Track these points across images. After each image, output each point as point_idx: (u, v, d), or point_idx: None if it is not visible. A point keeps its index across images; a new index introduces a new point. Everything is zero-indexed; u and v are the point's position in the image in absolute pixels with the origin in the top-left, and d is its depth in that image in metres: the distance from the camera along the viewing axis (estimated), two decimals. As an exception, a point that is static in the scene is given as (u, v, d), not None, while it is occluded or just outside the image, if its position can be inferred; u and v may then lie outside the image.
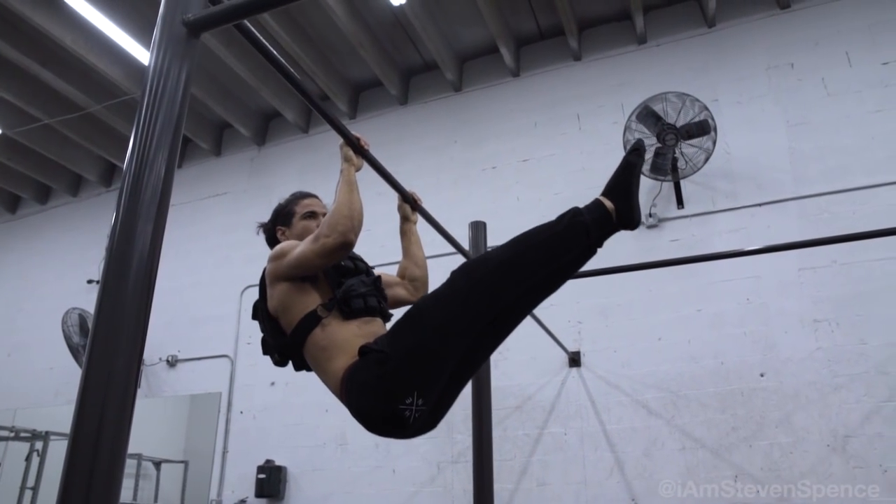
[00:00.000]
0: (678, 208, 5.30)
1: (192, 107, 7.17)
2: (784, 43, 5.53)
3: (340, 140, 2.23)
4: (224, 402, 6.45)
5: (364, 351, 1.85)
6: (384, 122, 6.89)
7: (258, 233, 2.39)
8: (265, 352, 2.16)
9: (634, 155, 1.91)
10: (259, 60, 6.46)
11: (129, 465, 6.74)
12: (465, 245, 3.66)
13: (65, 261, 8.15)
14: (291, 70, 1.76)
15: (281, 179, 7.19)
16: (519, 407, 5.32)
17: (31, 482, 6.46)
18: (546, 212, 5.73)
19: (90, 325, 5.83)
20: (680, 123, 4.98)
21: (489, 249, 1.87)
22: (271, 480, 5.81)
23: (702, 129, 4.92)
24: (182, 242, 7.06)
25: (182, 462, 6.71)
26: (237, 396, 6.44)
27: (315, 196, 2.36)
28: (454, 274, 1.90)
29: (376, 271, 2.32)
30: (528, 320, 4.38)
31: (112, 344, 1.13)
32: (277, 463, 5.93)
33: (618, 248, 5.36)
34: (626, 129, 5.13)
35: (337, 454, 5.79)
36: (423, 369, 1.80)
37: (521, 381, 5.38)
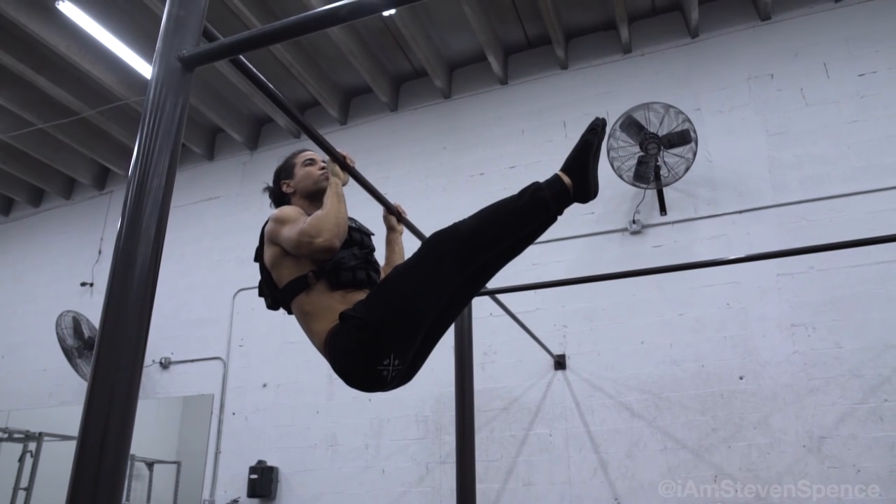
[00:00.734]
0: (661, 215, 5.43)
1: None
2: (764, 54, 5.67)
3: (329, 156, 2.36)
4: (217, 403, 6.54)
5: (343, 317, 1.99)
6: (374, 128, 6.99)
7: (264, 192, 2.52)
8: (260, 293, 2.31)
9: (591, 133, 2.07)
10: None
11: (122, 466, 6.82)
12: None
13: (58, 263, 8.22)
14: (281, 97, 1.88)
15: (273, 184, 7.28)
16: (505, 409, 5.44)
17: (24, 483, 6.52)
18: (533, 218, 5.89)
19: (84, 327, 5.90)
20: (662, 133, 5.11)
21: (458, 222, 2.01)
22: (263, 481, 5.91)
23: (683, 138, 5.05)
24: (175, 246, 7.14)
25: (175, 463, 6.78)
26: (230, 398, 6.53)
27: (308, 150, 2.54)
28: (425, 244, 2.06)
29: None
30: (514, 324, 4.50)
31: (116, 348, 1.24)
32: (269, 463, 6.03)
33: (602, 253, 5.54)
34: (610, 137, 5.25)
35: (327, 455, 5.90)
36: (398, 333, 1.96)
37: (507, 383, 5.50)
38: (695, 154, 5.10)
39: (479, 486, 4.76)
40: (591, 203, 6.14)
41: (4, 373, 7.89)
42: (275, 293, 2.20)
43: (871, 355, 4.60)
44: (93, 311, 7.25)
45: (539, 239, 6.17)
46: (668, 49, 6.04)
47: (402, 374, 2.05)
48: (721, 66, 5.79)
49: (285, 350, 6.31)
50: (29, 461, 6.56)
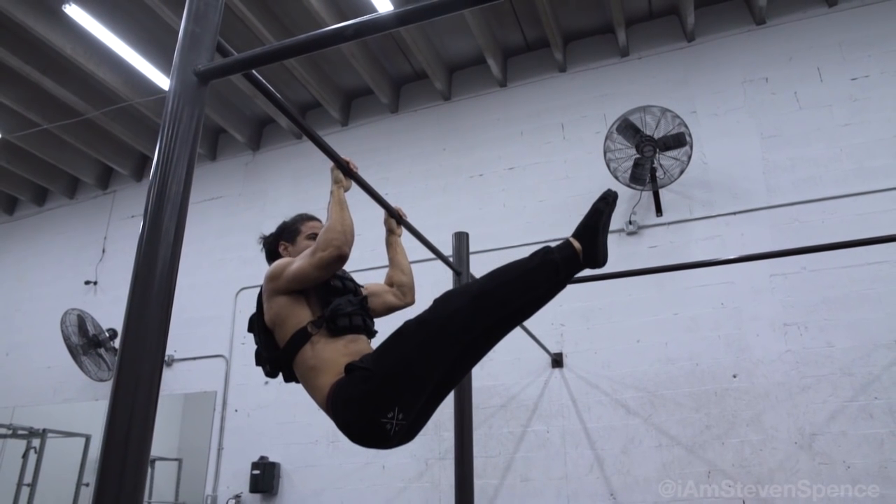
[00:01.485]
0: (657, 216, 5.52)
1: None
2: (759, 58, 5.77)
3: (333, 147, 2.43)
4: (219, 400, 6.64)
5: (350, 368, 2.01)
6: (375, 130, 7.09)
7: (259, 242, 2.54)
8: (258, 363, 2.31)
9: (602, 202, 2.11)
10: (254, 69, 6.65)
11: (125, 463, 6.90)
12: (449, 252, 3.88)
13: (62, 262, 8.32)
14: (292, 110, 1.97)
15: (274, 184, 7.39)
16: (504, 406, 5.53)
17: (28, 479, 6.59)
18: (531, 218, 6.01)
19: (89, 325, 6.00)
20: (658, 135, 5.20)
21: (469, 280, 2.07)
22: (265, 476, 6.00)
23: (678, 141, 5.15)
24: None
25: (176, 460, 6.87)
26: (232, 395, 6.63)
27: (319, 220, 2.52)
28: (436, 301, 2.08)
29: (365, 283, 2.52)
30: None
31: (140, 345, 1.33)
32: (271, 459, 6.13)
33: (599, 253, 5.62)
34: (607, 139, 5.35)
35: (328, 451, 5.99)
36: (404, 386, 1.96)
37: (505, 381, 5.59)
38: (689, 157, 5.19)
39: (477, 482, 4.87)
40: (587, 203, 6.20)
41: (9, 370, 7.98)
42: (276, 354, 2.19)
43: (862, 354, 4.70)
44: (97, 309, 7.35)
45: (538, 239, 6.28)
46: (665, 52, 6.13)
47: (405, 430, 2.03)
48: (716, 69, 5.89)
49: (287, 348, 6.40)
50: (33, 458, 6.62)
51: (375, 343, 2.24)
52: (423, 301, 6.32)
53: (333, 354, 2.09)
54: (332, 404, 2.02)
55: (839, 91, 5.43)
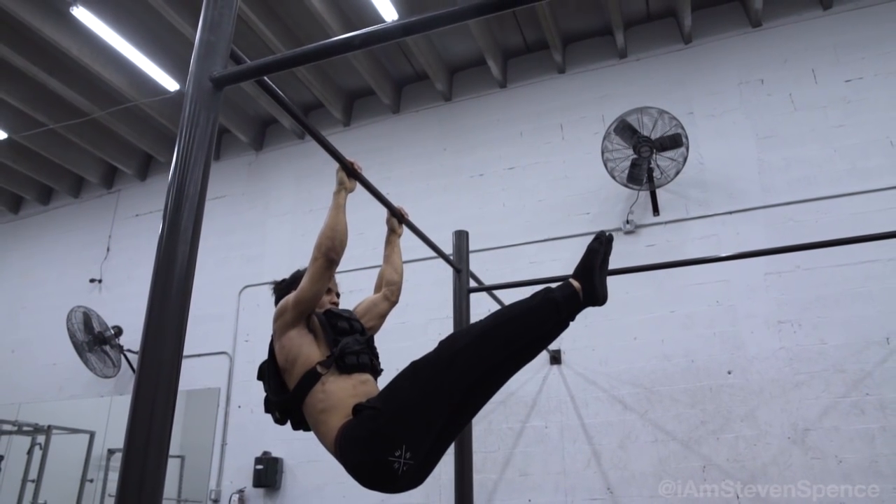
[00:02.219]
0: (654, 215, 5.62)
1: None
2: (755, 60, 5.86)
3: (336, 147, 2.52)
4: (223, 396, 6.74)
5: (357, 409, 2.07)
6: (377, 130, 7.18)
7: (272, 291, 2.58)
8: (267, 410, 2.36)
9: (596, 242, 2.18)
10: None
11: (128, 459, 6.99)
12: (449, 251, 3.98)
13: (66, 260, 8.42)
14: (305, 119, 2.06)
15: (277, 183, 7.48)
16: (503, 402, 5.62)
17: (33, 475, 6.65)
18: (530, 217, 6.10)
19: (94, 322, 6.09)
20: (655, 136, 5.29)
21: (473, 322, 2.13)
22: (268, 471, 6.11)
23: (675, 142, 5.24)
24: (182, 244, 7.32)
25: (178, 457, 6.95)
26: (235, 391, 6.72)
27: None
28: (442, 342, 2.14)
29: (356, 303, 2.60)
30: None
31: (161, 338, 1.43)
32: (274, 455, 6.23)
33: (597, 252, 5.71)
34: (605, 139, 5.44)
35: (330, 446, 6.08)
36: (411, 424, 2.00)
37: (505, 377, 5.68)
38: (685, 158, 5.28)
39: (477, 477, 4.96)
40: (586, 203, 6.31)
41: (14, 367, 8.08)
42: (285, 397, 2.22)
43: (854, 351, 4.80)
44: (101, 306, 7.44)
45: (537, 238, 6.36)
46: (663, 54, 6.22)
47: (414, 472, 2.03)
48: (713, 71, 5.98)
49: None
50: (38, 454, 6.68)
51: (382, 383, 2.28)
52: (425, 296, 6.41)
53: (343, 395, 2.13)
54: (340, 446, 2.05)
55: (833, 93, 5.52)
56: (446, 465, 5.51)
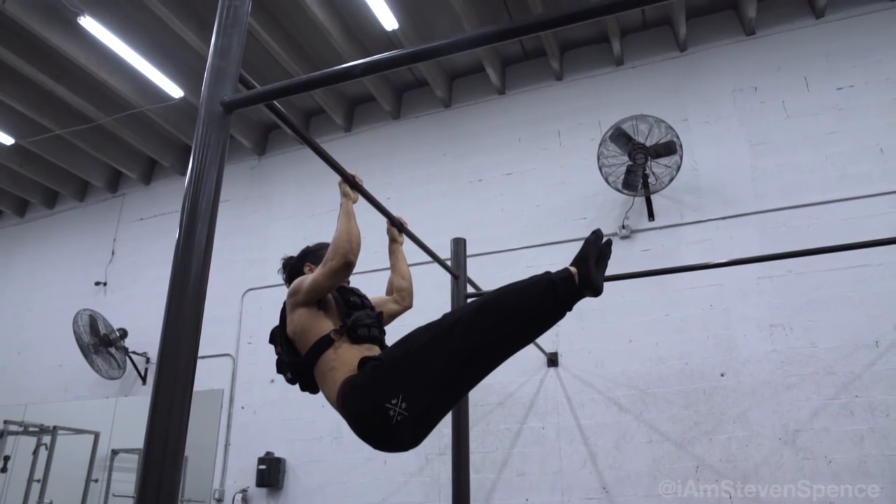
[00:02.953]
0: (649, 221, 5.73)
1: (195, 117, 7.56)
2: (749, 67, 5.97)
3: (337, 153, 2.64)
4: (226, 398, 6.85)
5: (363, 362, 2.22)
6: (378, 136, 7.30)
7: (281, 265, 2.74)
8: (279, 370, 2.50)
9: (593, 235, 2.29)
10: (259, 73, 6.87)
11: (131, 460, 7.09)
12: (448, 257, 4.09)
13: (72, 263, 8.54)
14: (315, 142, 2.18)
15: (279, 188, 7.60)
16: (501, 403, 5.74)
17: (38, 475, 6.73)
18: (528, 222, 6.22)
19: (100, 325, 6.20)
20: (650, 143, 5.40)
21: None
22: (271, 471, 6.22)
23: (669, 149, 5.35)
24: (186, 247, 7.43)
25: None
26: (239, 393, 6.84)
27: None
28: (444, 314, 2.29)
29: (370, 296, 2.73)
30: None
31: (177, 341, 1.55)
32: (277, 455, 6.35)
33: (593, 256, 5.82)
34: (601, 146, 5.55)
35: (332, 447, 6.21)
36: (409, 377, 2.13)
37: (502, 379, 5.79)
38: (679, 166, 5.39)
39: (476, 476, 5.09)
40: (583, 208, 6.42)
41: (21, 368, 8.21)
42: (298, 360, 2.38)
43: (844, 354, 4.91)
44: (106, 309, 7.56)
45: (534, 242, 6.45)
46: (658, 62, 6.34)
47: (408, 426, 2.14)
48: (708, 78, 6.10)
49: (292, 347, 6.60)
50: (43, 454, 6.78)
51: None
52: (424, 300, 6.52)
53: (351, 357, 2.28)
54: (343, 395, 2.20)
55: (825, 100, 5.63)
56: (446, 467, 5.66)
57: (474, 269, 4.37)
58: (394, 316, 2.82)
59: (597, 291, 2.23)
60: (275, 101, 1.95)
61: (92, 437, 7.09)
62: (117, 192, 8.71)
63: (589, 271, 2.21)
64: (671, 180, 5.41)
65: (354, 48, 6.35)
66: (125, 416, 7.34)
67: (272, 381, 6.67)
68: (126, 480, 7.06)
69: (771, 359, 5.10)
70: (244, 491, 6.37)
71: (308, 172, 7.40)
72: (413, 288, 2.96)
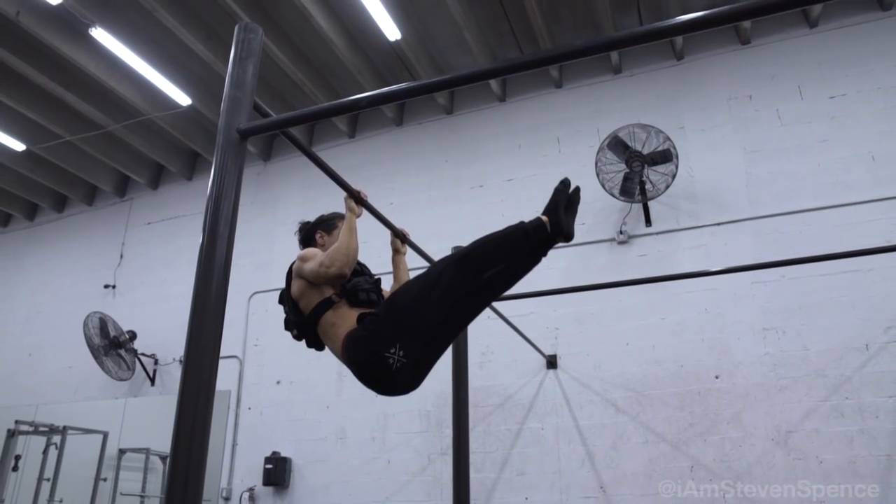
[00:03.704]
0: (646, 226, 5.86)
1: (201, 123, 7.75)
2: (744, 76, 6.10)
3: (341, 159, 2.79)
4: (233, 399, 7.00)
5: (361, 318, 2.47)
6: (381, 142, 7.44)
7: (297, 229, 2.99)
8: (287, 328, 2.74)
9: (561, 184, 2.51)
10: (265, 82, 7.02)
11: (138, 460, 7.23)
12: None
13: (81, 266, 8.70)
14: (322, 160, 2.34)
15: (284, 193, 7.74)
16: (501, 405, 5.88)
17: (48, 474, 6.84)
18: (528, 228, 6.32)
19: (110, 327, 6.34)
20: (646, 151, 5.54)
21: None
22: (277, 470, 6.37)
23: (665, 157, 5.49)
24: (194, 251, 7.55)
25: (189, 456, 7.16)
26: (245, 394, 6.99)
27: None
28: (429, 267, 2.56)
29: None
30: (508, 328, 4.93)
31: (202, 345, 1.70)
32: (283, 455, 6.49)
33: (592, 261, 5.98)
34: (599, 153, 5.69)
35: (337, 447, 6.36)
36: (404, 327, 2.37)
37: (503, 381, 5.95)
38: (674, 174, 5.52)
39: (476, 476, 5.24)
40: (581, 214, 6.54)
41: (32, 370, 8.37)
42: (302, 318, 2.60)
43: (835, 357, 5.04)
44: (115, 311, 7.72)
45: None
46: (655, 70, 6.47)
47: (407, 372, 2.37)
48: (703, 87, 6.23)
49: (297, 349, 6.60)
50: (53, 453, 6.90)
51: None
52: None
53: (350, 315, 2.51)
54: (346, 347, 2.43)
55: (818, 108, 5.76)
56: (448, 466, 5.80)
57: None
58: None
59: (567, 237, 2.43)
60: (291, 131, 2.09)
61: (101, 436, 7.22)
62: (125, 196, 8.87)
63: (559, 218, 2.42)
64: (667, 187, 5.55)
65: (358, 57, 6.50)
66: (134, 416, 7.50)
67: (278, 382, 6.83)
68: (134, 479, 7.21)
69: (764, 361, 5.24)
70: (251, 489, 6.52)
71: (312, 178, 7.47)
72: None
